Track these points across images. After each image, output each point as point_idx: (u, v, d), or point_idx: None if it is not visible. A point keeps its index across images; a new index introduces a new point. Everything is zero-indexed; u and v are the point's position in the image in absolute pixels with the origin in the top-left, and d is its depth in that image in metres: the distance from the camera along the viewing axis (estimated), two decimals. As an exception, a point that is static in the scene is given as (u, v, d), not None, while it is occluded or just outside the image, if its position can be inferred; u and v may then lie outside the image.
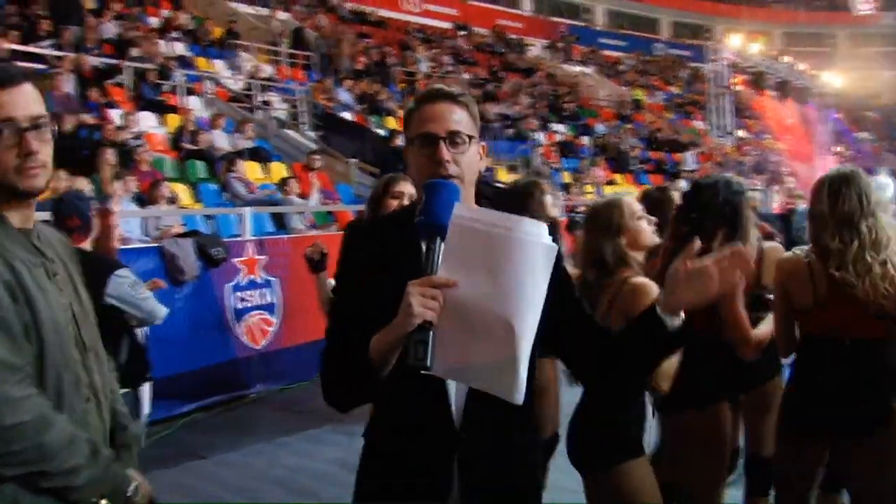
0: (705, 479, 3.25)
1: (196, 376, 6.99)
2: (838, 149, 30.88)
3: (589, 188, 16.84)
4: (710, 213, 3.20)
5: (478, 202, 1.97)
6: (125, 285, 3.83)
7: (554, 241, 1.71)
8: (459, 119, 1.88)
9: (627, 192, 7.88)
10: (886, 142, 40.25)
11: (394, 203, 3.42)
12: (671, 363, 2.79)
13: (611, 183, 19.03)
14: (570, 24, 37.77)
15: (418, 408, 1.82)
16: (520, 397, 1.68)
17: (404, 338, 1.63)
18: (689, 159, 23.52)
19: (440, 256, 1.67)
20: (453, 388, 1.82)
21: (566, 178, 18.19)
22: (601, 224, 3.00)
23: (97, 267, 3.81)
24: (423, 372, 1.61)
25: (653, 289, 2.82)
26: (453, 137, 1.85)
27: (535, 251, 1.66)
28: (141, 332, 4.13)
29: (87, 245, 3.92)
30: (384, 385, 1.76)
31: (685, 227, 3.18)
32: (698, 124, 30.78)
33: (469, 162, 1.88)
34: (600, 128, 24.68)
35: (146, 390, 4.08)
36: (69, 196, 4.15)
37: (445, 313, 1.63)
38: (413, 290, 1.62)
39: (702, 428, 3.19)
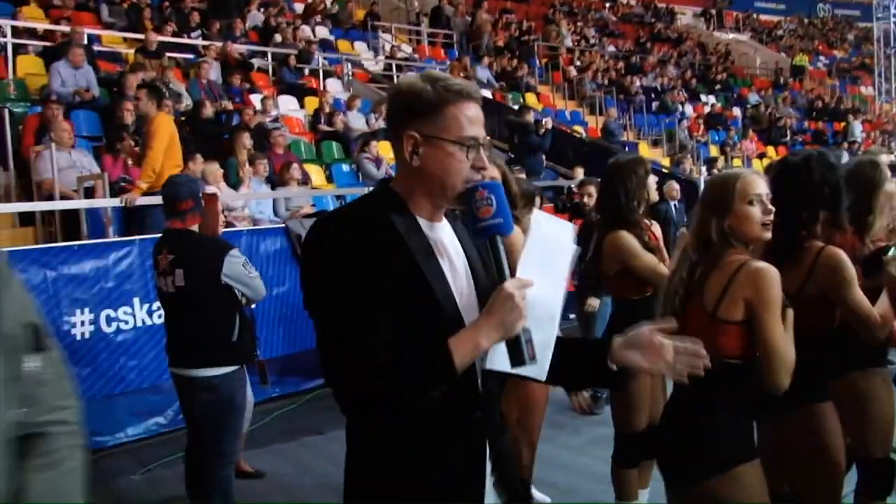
0: (819, 489, 2.86)
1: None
2: None
3: (737, 162, 16.01)
4: (803, 199, 2.83)
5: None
6: (238, 265, 3.99)
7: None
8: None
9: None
10: None
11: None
12: (791, 353, 2.45)
13: (762, 156, 18.04)
14: (724, -12, 35.94)
15: (449, 402, 1.73)
16: (545, 375, 1.81)
17: (508, 338, 1.66)
18: (855, 128, 21.85)
19: (506, 256, 1.72)
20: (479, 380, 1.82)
21: (713, 151, 17.39)
22: (712, 199, 2.63)
23: (213, 248, 4.03)
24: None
25: (775, 275, 2.45)
26: (485, 144, 1.84)
27: (572, 256, 1.89)
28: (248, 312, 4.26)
29: (196, 228, 4.06)
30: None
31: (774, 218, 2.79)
32: (867, 90, 28.64)
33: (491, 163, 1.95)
34: (753, 98, 23.42)
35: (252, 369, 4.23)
36: (182, 179, 4.30)
37: None
38: (515, 291, 1.65)
39: (803, 433, 2.82)
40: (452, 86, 1.78)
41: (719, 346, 2.41)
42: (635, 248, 3.65)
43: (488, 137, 1.84)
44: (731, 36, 30.53)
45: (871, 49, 31.13)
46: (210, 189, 4.55)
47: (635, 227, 3.74)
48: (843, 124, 22.36)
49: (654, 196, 3.94)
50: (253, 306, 4.48)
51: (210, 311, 3.98)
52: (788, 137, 20.14)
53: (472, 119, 1.77)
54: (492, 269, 1.73)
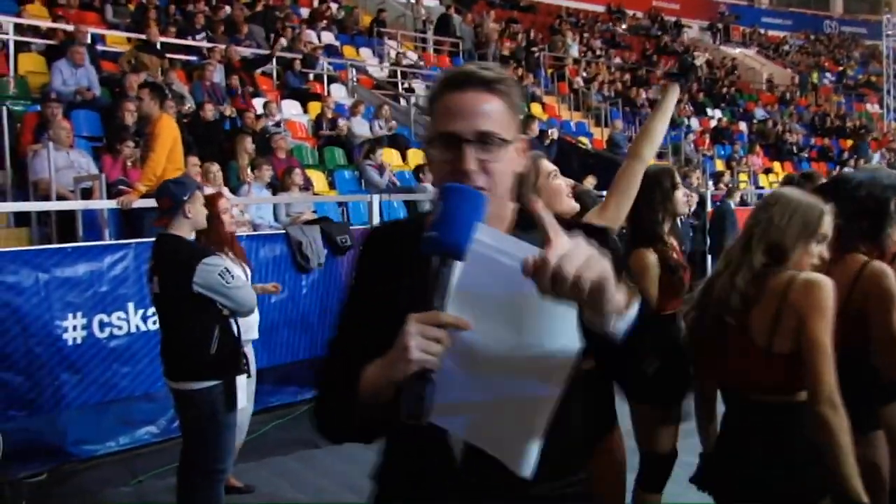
0: None
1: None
2: None
3: (743, 177, 15.87)
4: (849, 211, 2.70)
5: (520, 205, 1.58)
6: (214, 273, 3.70)
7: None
8: (493, 113, 1.47)
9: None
10: None
11: None
12: None
13: (768, 171, 17.91)
14: (731, 3, 35.93)
15: (416, 448, 1.51)
16: (528, 470, 1.41)
17: (396, 383, 1.30)
18: (875, 158, 21.58)
19: (452, 285, 1.31)
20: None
21: (719, 165, 17.25)
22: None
23: (186, 254, 3.78)
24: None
25: (829, 286, 2.32)
26: (483, 139, 1.46)
27: None
28: (235, 323, 3.99)
29: (184, 232, 3.86)
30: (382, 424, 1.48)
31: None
32: (873, 108, 28.53)
33: (502, 170, 1.49)
34: (760, 112, 23.30)
35: (243, 382, 3.95)
36: (173, 180, 4.13)
37: (451, 354, 1.29)
38: (413, 327, 1.28)
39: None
40: (443, 75, 1.55)
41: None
42: (649, 274, 3.45)
43: (487, 132, 1.45)
44: (737, 50, 30.45)
45: (878, 67, 31.05)
46: (208, 190, 4.31)
47: (659, 244, 3.54)
48: (849, 142, 22.23)
49: (683, 210, 3.74)
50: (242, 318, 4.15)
51: (185, 321, 3.77)
52: (795, 153, 20.00)
53: (449, 111, 1.47)
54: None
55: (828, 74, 31.10)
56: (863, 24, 38.29)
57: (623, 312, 1.31)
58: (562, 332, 1.35)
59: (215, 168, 7.73)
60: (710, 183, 13.38)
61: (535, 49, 20.61)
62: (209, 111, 9.76)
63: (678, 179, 3.68)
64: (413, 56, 17.82)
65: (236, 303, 3.81)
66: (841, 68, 32.66)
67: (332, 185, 10.47)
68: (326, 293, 7.16)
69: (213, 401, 3.73)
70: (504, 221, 1.55)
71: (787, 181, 3.94)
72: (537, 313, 1.32)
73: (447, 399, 1.31)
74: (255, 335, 4.71)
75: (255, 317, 4.40)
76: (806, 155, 20.42)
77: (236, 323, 3.90)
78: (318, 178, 10.21)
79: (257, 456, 5.44)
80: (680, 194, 3.69)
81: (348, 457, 5.35)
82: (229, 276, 3.75)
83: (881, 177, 2.86)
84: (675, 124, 18.93)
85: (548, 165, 2.87)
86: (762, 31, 34.36)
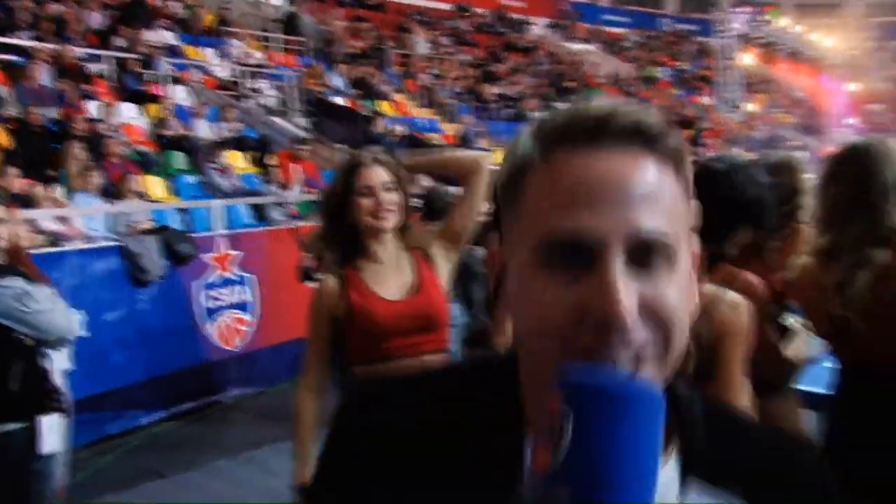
0: None
1: (163, 383, 6.58)
2: (851, 121, 30.20)
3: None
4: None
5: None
6: (6, 296, 3.18)
7: None
8: (660, 196, 0.72)
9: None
10: (900, 113, 39.47)
11: (365, 203, 2.51)
12: None
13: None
14: (572, 1, 37.00)
15: None
16: None
17: None
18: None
19: None
20: None
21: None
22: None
23: None
24: None
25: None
26: (646, 249, 0.70)
27: None
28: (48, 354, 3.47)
29: None
30: None
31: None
32: (706, 100, 30.12)
33: (677, 310, 0.71)
34: (605, 106, 24.10)
35: (52, 422, 3.45)
36: None
37: None
38: None
39: None
40: (549, 118, 0.78)
41: None
42: None
43: (652, 235, 0.70)
44: (580, 46, 31.38)
45: (709, 62, 32.83)
46: None
47: None
48: (690, 132, 23.31)
49: None
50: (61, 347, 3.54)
51: None
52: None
53: (568, 188, 0.71)
54: None
55: (665, 69, 32.55)
56: (694, 22, 40.36)
57: None
58: None
59: (39, 190, 7.08)
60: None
61: (383, 47, 20.45)
62: (35, 115, 8.97)
63: None
64: (259, 55, 17.25)
65: (42, 330, 3.30)
66: (676, 64, 34.26)
67: (175, 192, 9.91)
68: (167, 307, 6.74)
69: (16, 446, 3.22)
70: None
71: None
72: None
73: None
74: (66, 365, 3.81)
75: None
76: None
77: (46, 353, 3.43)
78: (159, 185, 9.64)
79: (94, 494, 4.96)
80: None
81: (198, 485, 5.02)
82: (28, 298, 3.22)
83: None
84: (524, 118, 19.24)
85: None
86: (603, 28, 35.56)
